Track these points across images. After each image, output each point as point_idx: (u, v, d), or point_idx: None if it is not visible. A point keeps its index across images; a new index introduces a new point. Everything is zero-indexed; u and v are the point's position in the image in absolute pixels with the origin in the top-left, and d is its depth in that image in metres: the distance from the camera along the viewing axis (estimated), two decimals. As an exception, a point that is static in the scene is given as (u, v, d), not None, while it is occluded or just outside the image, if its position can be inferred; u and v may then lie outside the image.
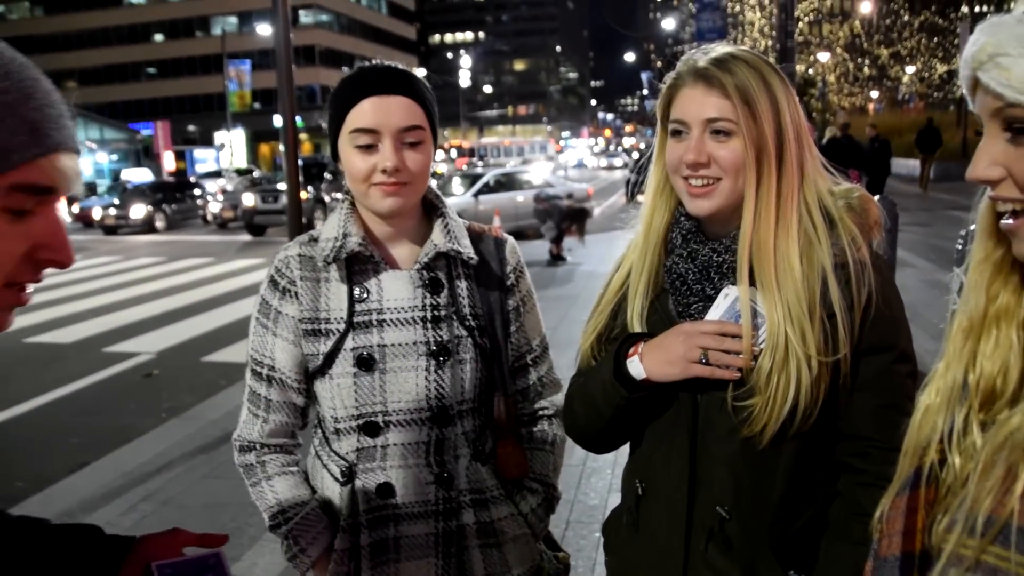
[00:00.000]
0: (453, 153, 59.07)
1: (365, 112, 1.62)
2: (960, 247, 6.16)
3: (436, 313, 1.71)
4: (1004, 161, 0.83)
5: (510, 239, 1.88)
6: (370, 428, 1.68)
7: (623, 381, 1.48)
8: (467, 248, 1.74)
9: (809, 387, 1.36)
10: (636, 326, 1.52)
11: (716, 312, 1.44)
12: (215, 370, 8.05)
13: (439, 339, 1.69)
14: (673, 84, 1.46)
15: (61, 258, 0.84)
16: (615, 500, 2.29)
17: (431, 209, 1.77)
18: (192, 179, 27.93)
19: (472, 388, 1.73)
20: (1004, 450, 0.83)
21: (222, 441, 5.66)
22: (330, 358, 1.67)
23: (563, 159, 66.95)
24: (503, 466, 1.79)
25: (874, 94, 44.66)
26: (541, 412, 1.87)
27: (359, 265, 1.70)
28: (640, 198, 1.63)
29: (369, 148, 1.62)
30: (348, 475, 1.70)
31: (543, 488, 1.85)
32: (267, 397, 1.73)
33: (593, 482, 4.77)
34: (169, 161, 36.17)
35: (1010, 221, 0.86)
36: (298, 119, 6.88)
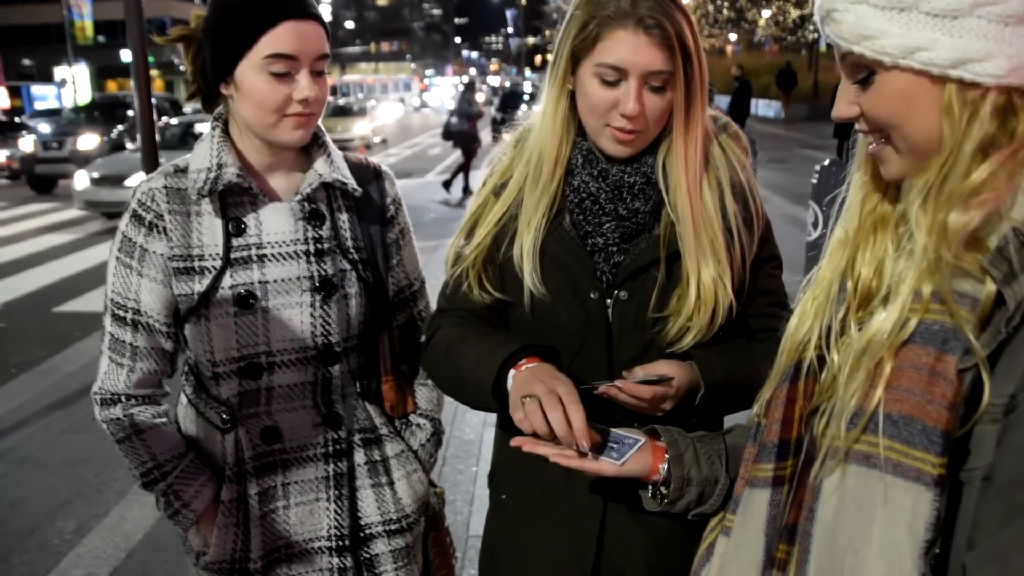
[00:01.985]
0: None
1: (283, 37, 1.48)
2: (814, 182, 6.48)
3: (319, 246, 1.62)
4: (856, 101, 0.96)
5: (387, 170, 1.80)
6: (252, 370, 1.59)
7: (500, 397, 1.41)
8: (350, 179, 1.65)
9: (725, 311, 1.44)
10: (528, 252, 1.48)
11: (619, 448, 1.30)
12: (69, 321, 7.56)
13: (323, 273, 1.61)
14: (603, 22, 1.37)
15: None
16: (489, 435, 2.30)
17: (311, 139, 1.66)
18: (19, 120, 24.64)
19: (358, 324, 1.66)
20: (866, 354, 0.93)
21: (81, 395, 5.35)
22: (206, 298, 1.56)
23: (426, 97, 62.44)
24: (390, 403, 1.74)
25: (732, 36, 46.03)
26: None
27: (235, 197, 1.59)
28: (506, 135, 1.62)
29: (284, 76, 1.50)
30: (230, 421, 1.61)
31: (430, 423, 1.82)
32: (132, 344, 1.60)
33: (468, 417, 4.82)
34: (2, 98, 33.25)
35: (870, 148, 0.99)
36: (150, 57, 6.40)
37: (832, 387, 1.00)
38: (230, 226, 1.58)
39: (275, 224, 1.60)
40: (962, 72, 0.86)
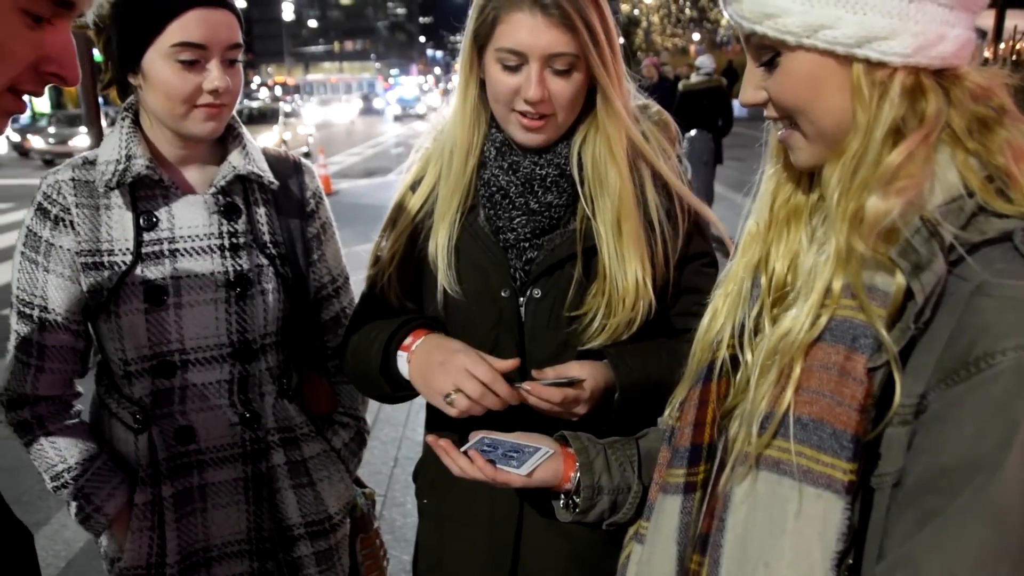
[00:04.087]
0: (278, 91, 56.37)
1: (191, 25, 1.43)
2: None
3: (234, 241, 1.57)
4: (763, 86, 0.92)
5: (308, 163, 1.76)
6: (165, 368, 1.54)
7: (389, 377, 1.42)
8: (267, 171, 1.61)
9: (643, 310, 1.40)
10: (442, 249, 1.44)
11: (522, 458, 1.25)
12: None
13: (238, 268, 1.56)
14: (500, 4, 1.33)
15: (67, 74, 0.85)
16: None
17: (226, 130, 1.61)
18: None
19: (275, 320, 1.62)
20: (777, 353, 0.88)
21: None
22: (116, 294, 1.50)
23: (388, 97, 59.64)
24: (311, 401, 1.70)
25: (695, 36, 46.36)
26: None
27: (145, 190, 1.54)
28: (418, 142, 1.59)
29: (193, 65, 1.45)
30: (143, 422, 1.55)
31: (354, 422, 1.78)
32: (40, 342, 1.54)
33: (421, 417, 4.73)
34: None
35: (778, 134, 0.95)
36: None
37: (746, 388, 0.96)
38: (141, 220, 1.52)
39: (188, 218, 1.55)
40: (868, 51, 0.83)
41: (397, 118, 46.53)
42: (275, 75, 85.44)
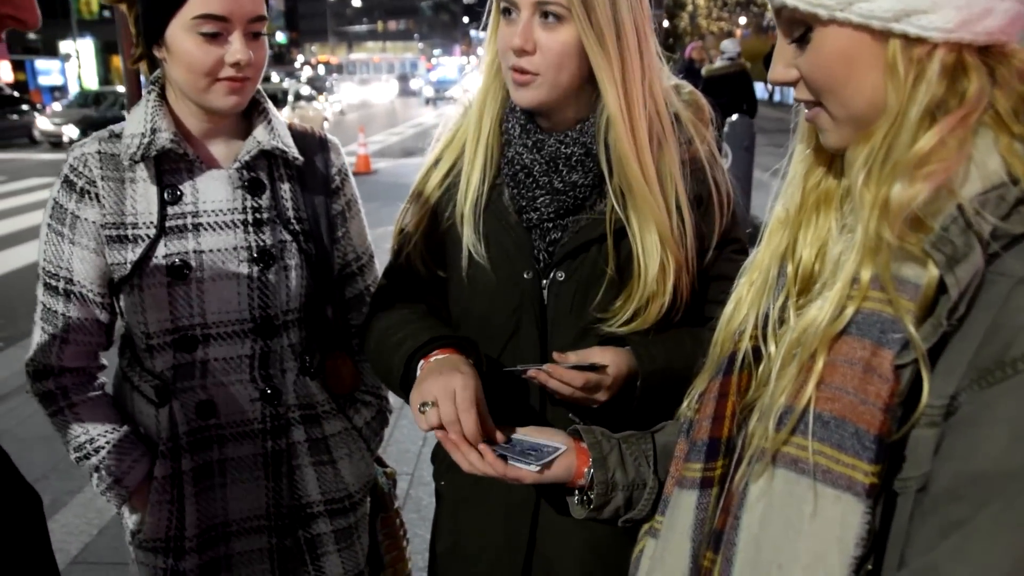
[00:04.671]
0: (321, 69, 56.47)
1: None
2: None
3: (258, 216, 1.56)
4: (794, 63, 0.87)
5: (334, 139, 1.74)
6: (187, 342, 1.54)
7: (407, 386, 1.34)
8: (291, 147, 1.59)
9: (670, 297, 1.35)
10: (469, 220, 1.41)
11: (538, 455, 1.19)
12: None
13: (261, 244, 1.55)
14: None
15: (26, 17, 0.83)
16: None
17: (251, 104, 1.60)
18: (17, 94, 23.98)
19: (298, 297, 1.60)
20: (800, 345, 0.84)
21: (63, 369, 5.30)
22: (139, 267, 1.50)
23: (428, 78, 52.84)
24: (334, 379, 1.69)
25: (742, 20, 45.61)
26: None
27: (170, 164, 1.53)
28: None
29: (215, 37, 1.44)
30: (164, 395, 1.56)
31: (376, 400, 1.77)
32: (65, 314, 1.55)
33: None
34: (6, 72, 32.93)
35: (806, 114, 0.90)
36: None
37: (769, 381, 0.91)
38: (165, 193, 1.52)
39: (212, 192, 1.54)
40: (906, 26, 0.77)
41: (428, 101, 41.04)
42: (319, 54, 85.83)
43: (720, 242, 1.43)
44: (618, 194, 1.36)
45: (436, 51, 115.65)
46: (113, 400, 1.64)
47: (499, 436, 1.21)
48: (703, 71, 9.53)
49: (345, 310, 1.76)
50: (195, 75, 1.46)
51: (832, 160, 0.95)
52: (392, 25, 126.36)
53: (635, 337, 1.35)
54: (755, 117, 9.18)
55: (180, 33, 1.43)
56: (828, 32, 0.82)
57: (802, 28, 0.84)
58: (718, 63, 9.35)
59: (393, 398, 1.66)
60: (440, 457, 1.59)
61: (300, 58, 75.79)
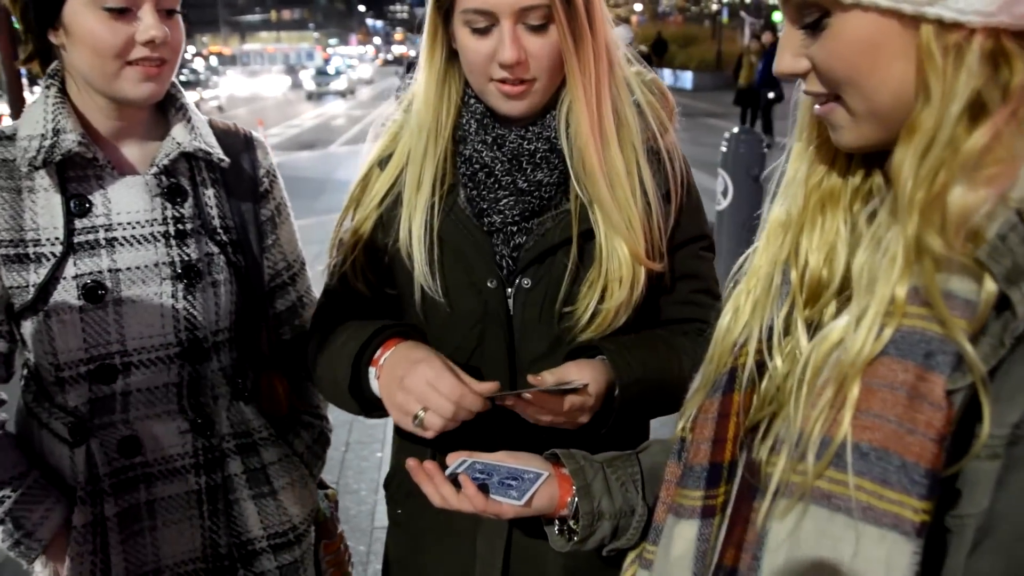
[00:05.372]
0: (214, 61, 54.53)
1: None
2: (724, 150, 6.43)
3: (180, 227, 1.39)
4: (806, 53, 0.78)
5: (260, 137, 1.58)
6: (105, 373, 1.36)
7: (362, 398, 1.26)
8: (215, 147, 1.43)
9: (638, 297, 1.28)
10: (418, 237, 1.29)
11: (519, 484, 1.09)
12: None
13: (186, 258, 1.39)
14: None
15: None
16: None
17: (167, 99, 1.43)
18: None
19: (228, 315, 1.45)
20: (829, 366, 0.76)
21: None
22: (45, 291, 1.32)
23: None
24: (269, 402, 1.54)
25: (637, 7, 46.26)
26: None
27: (76, 170, 1.35)
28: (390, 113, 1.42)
29: (122, 13, 1.26)
30: (80, 433, 1.38)
31: (317, 421, 1.63)
32: None
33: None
34: None
35: (817, 109, 0.82)
36: None
37: (775, 399, 0.83)
38: (72, 204, 1.34)
39: (127, 202, 1.37)
40: (940, 9, 0.68)
41: (310, 96, 36.16)
42: (210, 45, 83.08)
43: (685, 239, 1.36)
44: (583, 191, 1.26)
45: (332, 40, 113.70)
46: (17, 441, 1.44)
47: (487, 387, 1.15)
48: None
49: (277, 324, 1.60)
50: (102, 59, 1.28)
51: (835, 157, 0.87)
52: (286, 14, 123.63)
53: (608, 344, 1.25)
54: None
55: (80, 9, 1.26)
56: (850, 18, 0.73)
57: (816, 13, 0.75)
58: None
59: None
60: (396, 482, 1.46)
61: (191, 49, 73.21)
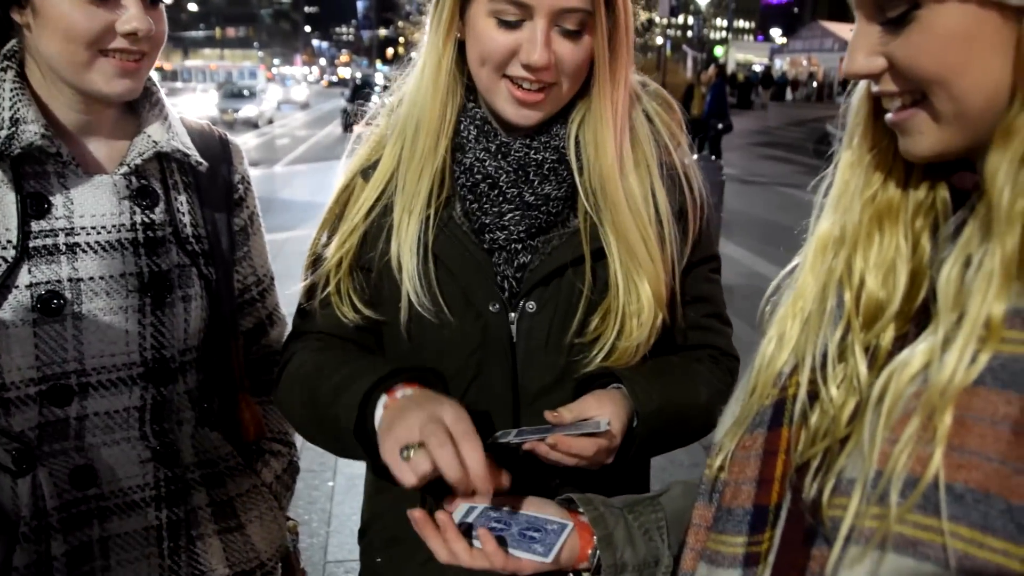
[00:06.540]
0: (155, 76, 53.32)
1: None
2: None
3: (150, 234, 1.27)
4: (883, 50, 0.72)
5: (235, 140, 1.46)
6: (58, 394, 1.22)
7: (365, 440, 1.09)
8: (192, 149, 1.31)
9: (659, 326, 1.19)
10: (409, 251, 1.17)
11: (543, 537, 0.97)
12: None
13: (155, 269, 1.26)
14: None
15: None
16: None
17: (141, 93, 1.30)
18: None
19: (197, 333, 1.32)
20: (907, 396, 0.68)
21: None
22: None
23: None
24: (237, 428, 1.41)
25: (583, 37, 46.93)
26: (275, 357, 1.49)
27: (34, 166, 1.22)
28: (357, 128, 1.31)
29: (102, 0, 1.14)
30: (26, 461, 1.23)
31: (286, 449, 1.51)
32: None
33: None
34: None
35: (891, 115, 0.75)
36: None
37: (830, 434, 0.75)
38: (28, 204, 1.20)
39: (92, 204, 1.24)
40: None
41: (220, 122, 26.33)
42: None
43: (696, 259, 1.27)
44: (593, 207, 1.17)
45: (276, 60, 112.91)
46: None
47: (503, 479, 0.97)
48: None
49: (247, 342, 1.48)
50: (74, 45, 1.16)
51: (892, 168, 0.80)
52: (231, 32, 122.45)
53: (626, 373, 1.16)
54: None
55: None
56: (944, 9, 0.66)
57: (903, 6, 0.68)
58: None
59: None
60: (376, 527, 1.33)
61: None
